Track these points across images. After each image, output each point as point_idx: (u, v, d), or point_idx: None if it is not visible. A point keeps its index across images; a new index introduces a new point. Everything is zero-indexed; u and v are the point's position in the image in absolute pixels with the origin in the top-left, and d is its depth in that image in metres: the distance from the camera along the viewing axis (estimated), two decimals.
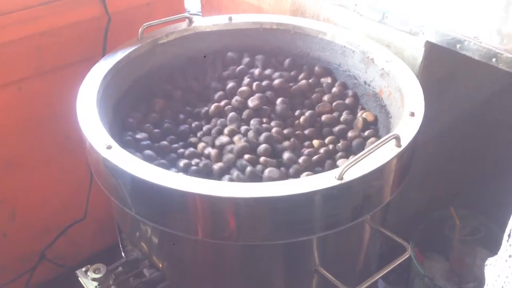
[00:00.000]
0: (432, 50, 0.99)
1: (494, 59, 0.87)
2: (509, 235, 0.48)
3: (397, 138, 0.73)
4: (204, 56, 1.04)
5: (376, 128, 0.94)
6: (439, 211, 1.34)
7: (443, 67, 1.06)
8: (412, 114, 0.81)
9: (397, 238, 0.80)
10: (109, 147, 0.74)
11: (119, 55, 0.96)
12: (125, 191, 0.73)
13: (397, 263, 0.79)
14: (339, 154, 0.88)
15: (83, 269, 0.85)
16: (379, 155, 0.72)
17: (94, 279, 0.81)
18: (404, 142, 0.74)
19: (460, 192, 1.39)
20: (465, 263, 1.28)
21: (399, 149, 0.73)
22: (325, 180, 0.68)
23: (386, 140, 0.72)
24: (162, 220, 0.72)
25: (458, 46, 0.94)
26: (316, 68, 1.06)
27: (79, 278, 0.83)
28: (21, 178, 1.18)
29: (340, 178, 0.68)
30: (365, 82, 1.01)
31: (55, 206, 1.26)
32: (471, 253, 1.28)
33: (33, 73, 1.09)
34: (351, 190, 0.70)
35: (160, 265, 0.86)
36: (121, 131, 0.90)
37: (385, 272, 0.78)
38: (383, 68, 0.95)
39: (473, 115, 1.28)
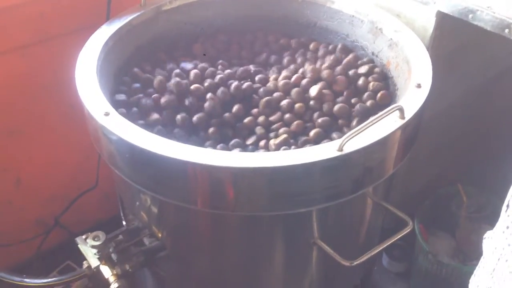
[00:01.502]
0: (443, 20, 0.96)
1: (507, 30, 0.84)
2: (507, 206, 0.47)
3: (401, 110, 0.71)
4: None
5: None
6: (446, 187, 1.32)
7: (455, 39, 1.03)
8: (419, 86, 0.78)
9: (399, 213, 0.79)
10: (106, 114, 0.73)
11: (121, 21, 0.94)
12: (123, 159, 0.72)
13: (398, 237, 0.78)
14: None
15: (83, 236, 0.85)
16: (381, 127, 0.70)
17: (93, 246, 0.81)
18: (408, 114, 0.72)
19: (468, 169, 1.37)
20: (471, 240, 1.27)
21: (403, 121, 0.71)
22: (324, 151, 0.66)
23: (389, 112, 0.69)
24: (160, 189, 0.71)
25: (470, 16, 0.90)
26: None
27: (78, 245, 0.83)
28: (25, 146, 1.17)
29: (340, 149, 0.66)
30: (372, 53, 0.98)
31: (63, 174, 1.27)
32: (477, 230, 1.26)
33: (36, 39, 1.08)
34: (351, 162, 0.68)
35: (160, 235, 0.85)
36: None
37: (385, 245, 0.77)
38: (391, 39, 0.92)
39: (485, 90, 1.25)
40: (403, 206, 1.17)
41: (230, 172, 0.65)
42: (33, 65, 1.10)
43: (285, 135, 0.79)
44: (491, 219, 1.32)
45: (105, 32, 0.91)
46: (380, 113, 0.69)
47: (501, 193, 1.31)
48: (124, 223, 0.95)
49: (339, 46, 0.98)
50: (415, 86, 0.78)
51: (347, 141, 0.66)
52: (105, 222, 1.36)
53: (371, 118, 0.68)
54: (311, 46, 1.02)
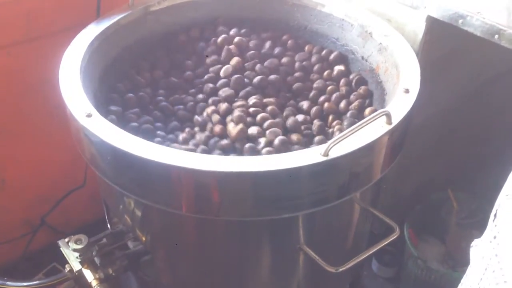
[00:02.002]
0: (433, 25, 0.95)
1: (496, 36, 0.83)
2: (495, 215, 0.46)
3: (388, 115, 0.70)
4: (207, 56, 0.99)
5: (371, 104, 0.90)
6: (437, 193, 1.32)
7: (445, 44, 1.02)
8: (407, 91, 0.77)
9: (386, 219, 0.78)
10: (89, 115, 0.71)
11: (108, 21, 0.93)
12: (105, 161, 0.71)
13: (384, 243, 0.77)
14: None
15: (66, 239, 0.83)
16: (368, 132, 0.69)
17: (75, 250, 0.79)
18: (396, 120, 0.71)
19: (459, 174, 1.36)
20: (461, 247, 1.26)
21: (390, 127, 0.70)
22: (309, 156, 0.65)
23: (376, 117, 0.68)
24: (143, 193, 0.70)
25: (460, 21, 0.90)
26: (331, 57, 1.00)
27: (61, 249, 0.82)
28: (10, 146, 1.16)
29: (326, 154, 0.65)
30: (362, 57, 0.97)
31: (50, 174, 1.25)
32: (467, 237, 1.25)
33: (22, 38, 1.06)
34: (337, 167, 0.67)
35: (144, 239, 0.84)
36: (107, 99, 0.87)
37: (371, 252, 0.76)
38: (381, 43, 0.92)
39: (476, 95, 1.24)
40: (394, 211, 1.16)
41: (214, 176, 0.63)
42: (20, 64, 1.09)
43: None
44: (482, 226, 1.30)
45: (91, 32, 0.90)
46: (367, 118, 0.68)
47: (492, 199, 1.31)
48: (108, 225, 0.94)
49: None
50: (403, 91, 0.77)
51: (332, 146, 0.65)
52: (93, 222, 1.34)
53: (358, 123, 0.67)
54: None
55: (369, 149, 0.68)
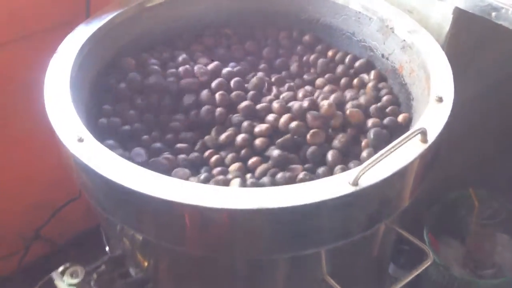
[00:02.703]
0: (460, 17, 0.85)
1: None
2: None
3: (423, 133, 0.61)
4: (212, 60, 0.89)
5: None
6: (455, 192, 1.24)
7: (471, 36, 0.93)
8: (440, 100, 0.68)
9: (419, 243, 0.70)
10: (80, 140, 0.62)
11: (99, 21, 0.83)
12: (99, 193, 0.62)
13: (418, 272, 0.69)
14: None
15: (60, 269, 0.75)
16: (401, 153, 0.60)
17: (70, 285, 0.71)
18: (431, 137, 0.62)
19: (479, 171, 1.28)
20: (484, 249, 1.19)
21: (425, 146, 0.62)
22: (336, 186, 0.56)
23: (411, 136, 0.60)
24: (142, 228, 0.62)
25: (493, 14, 0.80)
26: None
27: (55, 282, 0.74)
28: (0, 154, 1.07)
29: (355, 183, 0.57)
30: (382, 55, 0.87)
31: (44, 184, 1.16)
32: (491, 238, 1.18)
33: (5, 39, 0.96)
34: (367, 196, 0.58)
35: (145, 266, 0.76)
36: (100, 113, 0.78)
37: (402, 284, 0.68)
38: (404, 40, 0.82)
39: (498, 89, 1.15)
40: (409, 211, 1.08)
41: (227, 214, 0.55)
42: (7, 65, 0.99)
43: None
44: (505, 226, 1.25)
45: (81, 35, 0.80)
46: (401, 138, 0.59)
47: None
48: (107, 248, 0.85)
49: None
50: (435, 100, 0.68)
51: (363, 173, 0.56)
52: (90, 232, 1.27)
53: (391, 145, 0.58)
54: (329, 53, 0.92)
55: (403, 173, 0.60)
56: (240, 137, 0.74)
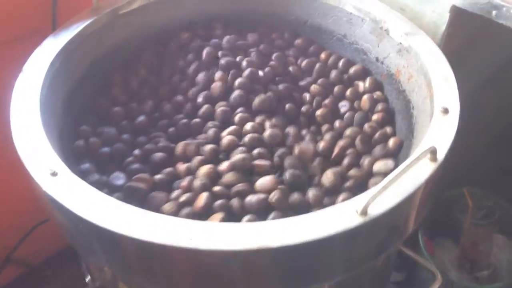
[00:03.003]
0: (458, 15, 0.81)
1: None
2: None
3: (433, 152, 0.56)
4: (218, 57, 0.83)
5: (394, 122, 0.76)
6: (449, 191, 1.20)
7: (466, 34, 0.88)
8: (445, 111, 0.63)
9: (428, 265, 0.65)
10: (54, 174, 0.55)
11: (69, 33, 0.76)
12: (78, 235, 0.55)
13: None
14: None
15: None
16: (410, 175, 0.55)
17: None
18: (441, 155, 0.58)
19: (472, 169, 1.24)
20: (479, 249, 1.16)
21: (435, 165, 0.57)
22: (343, 217, 0.51)
23: (421, 157, 0.55)
24: (129, 272, 0.55)
25: (494, 12, 0.76)
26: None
27: None
28: None
29: (364, 213, 0.51)
30: (377, 59, 0.82)
31: (17, 204, 1.08)
32: (486, 239, 1.15)
33: None
34: (376, 225, 0.53)
35: None
36: (74, 136, 0.71)
37: None
38: (401, 43, 0.77)
39: (491, 86, 1.11)
40: None
41: (224, 256, 0.49)
42: None
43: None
44: (500, 226, 1.22)
45: (49, 49, 0.73)
46: (410, 159, 0.54)
47: (509, 195, 1.20)
48: (88, 278, 0.79)
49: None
50: (440, 111, 0.63)
51: (371, 201, 0.51)
52: (66, 250, 1.20)
53: (400, 168, 0.53)
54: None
55: (413, 197, 0.55)
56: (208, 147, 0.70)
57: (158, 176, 0.67)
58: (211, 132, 0.72)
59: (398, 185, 0.54)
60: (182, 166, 0.68)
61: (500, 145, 1.22)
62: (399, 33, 0.77)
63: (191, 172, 0.67)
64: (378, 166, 0.68)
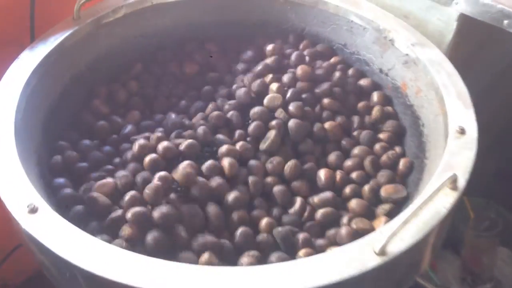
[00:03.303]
0: (465, 24, 0.76)
1: None
2: None
3: (454, 180, 0.51)
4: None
5: (402, 141, 0.71)
6: None
7: (472, 42, 0.84)
8: (462, 132, 0.58)
9: None
10: (32, 210, 0.49)
11: (48, 45, 0.69)
12: (61, 277, 0.49)
13: None
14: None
15: None
16: (430, 206, 0.50)
17: None
18: (461, 182, 0.53)
19: (473, 178, 1.20)
20: (482, 262, 1.11)
21: (456, 194, 0.52)
22: (360, 258, 0.46)
23: (441, 187, 0.49)
24: None
25: (505, 22, 0.71)
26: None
27: None
28: None
29: (382, 253, 0.46)
30: (380, 70, 0.77)
31: None
32: (489, 251, 1.11)
33: None
34: (396, 266, 0.48)
35: None
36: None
37: None
38: (407, 54, 0.72)
39: (494, 88, 1.07)
40: None
41: None
42: None
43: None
44: (503, 238, 1.18)
45: (26, 64, 0.66)
46: (431, 191, 0.49)
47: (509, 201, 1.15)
48: None
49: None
50: (456, 131, 0.58)
51: (390, 239, 0.46)
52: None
53: (419, 201, 0.48)
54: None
55: (434, 230, 0.50)
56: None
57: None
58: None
59: (418, 218, 0.49)
60: None
61: (499, 149, 1.18)
62: (405, 44, 0.72)
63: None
64: (388, 191, 0.63)
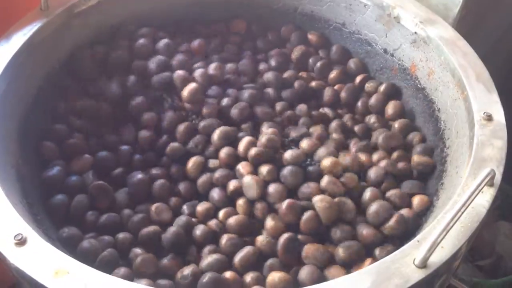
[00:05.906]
0: None
1: None
2: None
3: (492, 176, 0.46)
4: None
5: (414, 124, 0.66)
6: None
7: (477, 14, 0.79)
8: (489, 118, 0.53)
9: None
10: (20, 242, 0.42)
11: (15, 42, 0.60)
12: None
13: None
14: None
15: None
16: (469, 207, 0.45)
17: None
18: (498, 177, 0.48)
19: None
20: (482, 237, 1.09)
21: (493, 190, 0.47)
22: (399, 271, 0.41)
23: (481, 187, 0.44)
24: None
25: None
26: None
27: None
28: None
29: (423, 265, 0.41)
30: (385, 51, 0.71)
31: None
32: (490, 226, 1.09)
33: None
34: (436, 276, 0.43)
35: None
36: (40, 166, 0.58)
37: None
38: (416, 33, 0.66)
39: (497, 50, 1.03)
40: None
41: None
42: None
43: None
44: (503, 212, 1.16)
45: None
46: (469, 192, 0.43)
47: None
48: None
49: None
50: (483, 118, 0.53)
51: (432, 250, 0.41)
52: None
53: (459, 205, 0.43)
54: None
55: (475, 233, 0.45)
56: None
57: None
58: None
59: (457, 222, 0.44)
60: None
61: None
62: (412, 21, 0.66)
63: None
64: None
